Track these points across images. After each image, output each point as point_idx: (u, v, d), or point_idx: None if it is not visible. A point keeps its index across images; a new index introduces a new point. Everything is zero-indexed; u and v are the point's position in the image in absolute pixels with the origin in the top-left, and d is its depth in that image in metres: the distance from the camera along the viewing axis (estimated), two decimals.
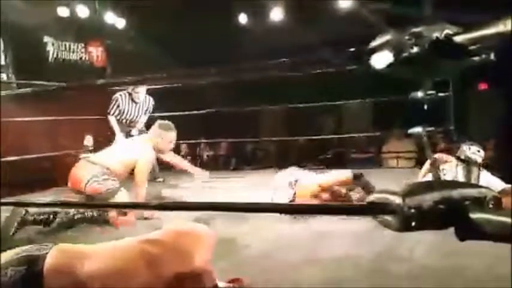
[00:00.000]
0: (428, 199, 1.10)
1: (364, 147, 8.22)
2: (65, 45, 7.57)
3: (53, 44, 7.39)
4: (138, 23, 7.62)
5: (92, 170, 3.79)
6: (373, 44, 1.17)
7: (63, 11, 6.96)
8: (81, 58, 7.82)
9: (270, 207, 1.23)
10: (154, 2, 6.93)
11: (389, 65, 1.12)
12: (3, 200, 1.68)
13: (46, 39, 7.28)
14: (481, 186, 1.33)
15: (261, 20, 7.33)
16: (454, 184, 1.28)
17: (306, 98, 6.54)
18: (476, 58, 1.13)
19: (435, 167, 3.77)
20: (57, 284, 1.23)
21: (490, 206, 1.22)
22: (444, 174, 3.81)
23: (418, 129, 5.09)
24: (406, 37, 1.10)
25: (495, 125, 6.84)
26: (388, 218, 1.14)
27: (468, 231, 1.08)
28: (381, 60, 1.13)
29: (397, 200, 1.12)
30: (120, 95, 5.62)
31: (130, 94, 5.61)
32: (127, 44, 7.84)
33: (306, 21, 6.82)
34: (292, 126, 7.75)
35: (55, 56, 7.42)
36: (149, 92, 5.74)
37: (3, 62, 6.84)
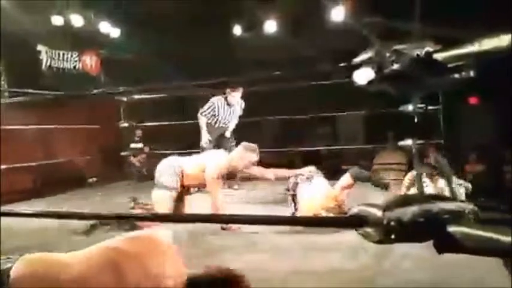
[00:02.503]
0: (408, 212, 1.12)
1: (356, 159, 8.24)
2: (59, 54, 7.56)
3: (46, 53, 7.39)
4: (132, 32, 7.64)
5: (169, 169, 4.09)
6: (356, 60, 1.20)
7: (57, 20, 6.97)
8: (74, 67, 7.82)
9: (252, 220, 1.25)
10: (148, 12, 6.97)
11: (371, 81, 1.15)
12: (3, 211, 1.66)
13: (39, 47, 7.28)
14: (461, 200, 1.36)
15: (255, 31, 7.38)
16: (434, 198, 1.31)
17: (297, 110, 6.60)
18: (456, 75, 1.16)
19: (418, 180, 3.81)
20: None
21: (470, 219, 1.25)
22: (426, 186, 3.86)
23: (408, 142, 5.16)
24: (388, 54, 1.13)
25: (485, 139, 6.92)
26: (369, 230, 1.17)
27: (446, 244, 1.11)
28: (362, 76, 1.16)
29: (378, 213, 1.14)
30: (216, 100, 5.80)
31: (226, 98, 5.76)
32: (121, 54, 7.86)
33: (300, 34, 6.89)
34: (283, 137, 7.79)
35: (48, 64, 7.41)
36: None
37: None
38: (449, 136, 5.71)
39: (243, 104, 5.95)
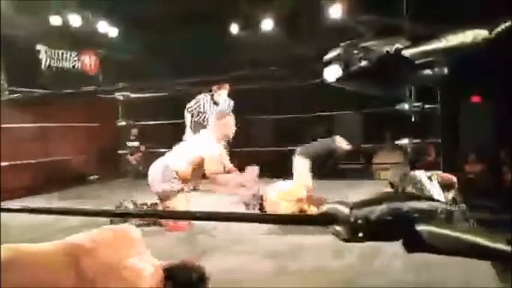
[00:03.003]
0: (375, 211, 1.11)
1: (353, 158, 8.23)
2: (58, 53, 7.58)
3: (45, 52, 7.40)
4: (131, 32, 7.65)
5: (165, 172, 4.03)
6: (326, 57, 1.19)
7: (56, 20, 6.98)
8: (74, 66, 7.83)
9: (221, 217, 1.24)
10: (146, 11, 6.98)
11: (339, 79, 1.14)
12: (3, 206, 1.67)
13: (39, 47, 7.30)
14: (433, 200, 1.35)
15: (251, 30, 7.39)
16: (406, 197, 1.30)
17: (296, 108, 6.59)
18: (427, 72, 1.15)
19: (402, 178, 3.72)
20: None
21: (441, 219, 1.23)
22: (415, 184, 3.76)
23: (404, 141, 5.14)
24: (355, 51, 1.12)
25: (485, 139, 6.87)
26: (338, 228, 1.16)
27: (414, 243, 1.10)
28: (331, 73, 1.14)
29: (345, 210, 1.13)
30: (202, 97, 5.79)
31: (212, 96, 5.76)
32: (119, 53, 7.87)
33: (297, 32, 6.88)
34: (282, 136, 7.78)
35: (48, 64, 7.43)
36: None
37: None
38: (448, 135, 5.67)
39: (232, 103, 5.89)
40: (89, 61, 7.99)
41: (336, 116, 7.74)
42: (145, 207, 4.20)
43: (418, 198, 1.26)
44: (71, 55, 7.81)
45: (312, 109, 6.47)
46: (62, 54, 7.66)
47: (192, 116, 5.79)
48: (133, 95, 6.82)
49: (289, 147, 6.59)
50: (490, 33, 0.99)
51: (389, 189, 3.73)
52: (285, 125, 7.63)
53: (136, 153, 7.24)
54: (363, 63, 1.13)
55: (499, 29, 0.96)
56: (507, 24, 0.94)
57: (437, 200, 1.26)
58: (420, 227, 1.07)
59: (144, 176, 4.39)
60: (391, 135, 6.71)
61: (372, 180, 6.93)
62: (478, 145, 6.66)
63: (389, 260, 2.73)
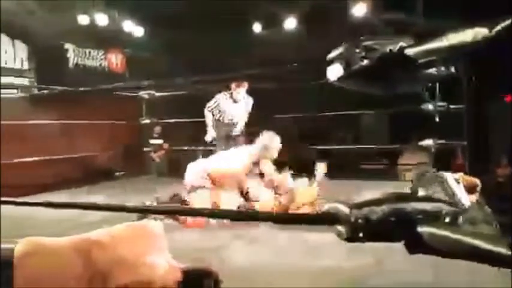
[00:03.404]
0: (377, 211, 1.10)
1: (377, 159, 8.15)
2: (85, 51, 7.75)
3: (73, 51, 7.58)
4: (156, 31, 7.75)
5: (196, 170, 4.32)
6: (329, 56, 1.18)
7: (83, 19, 7.13)
8: (100, 65, 7.99)
9: (223, 215, 1.25)
10: (171, 10, 7.05)
11: (341, 78, 1.13)
12: (3, 199, 1.73)
13: (67, 45, 7.47)
14: (439, 201, 1.33)
15: (273, 29, 7.37)
16: (409, 197, 1.28)
17: (319, 107, 6.54)
18: (434, 72, 1.13)
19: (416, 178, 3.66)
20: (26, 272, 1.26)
21: (446, 221, 1.21)
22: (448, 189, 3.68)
23: (428, 142, 5.04)
24: (357, 50, 1.11)
25: None
26: (339, 228, 1.15)
27: (416, 245, 1.08)
28: (333, 72, 1.14)
29: (346, 210, 1.12)
30: (222, 96, 5.83)
31: (231, 94, 5.79)
32: (145, 52, 7.98)
33: (318, 30, 6.82)
34: (304, 135, 7.73)
35: (75, 62, 7.59)
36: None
37: (26, 67, 7.04)
38: (474, 137, 5.51)
39: (251, 101, 5.89)
40: (115, 60, 8.14)
41: (360, 116, 7.68)
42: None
43: (421, 199, 1.25)
44: (97, 53, 7.97)
45: (333, 108, 6.41)
46: (89, 52, 7.82)
47: (213, 115, 5.82)
48: (158, 94, 6.90)
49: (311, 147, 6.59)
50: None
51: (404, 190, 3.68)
52: (306, 125, 7.60)
53: (160, 151, 7.33)
54: (365, 62, 1.11)
55: None
56: None
57: (451, 203, 1.24)
58: (421, 229, 1.06)
59: (167, 173, 4.47)
60: (415, 136, 6.60)
61: (397, 181, 6.84)
62: (509, 147, 6.42)
63: (398, 259, 2.66)
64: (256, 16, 7.50)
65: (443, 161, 5.46)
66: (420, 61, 1.08)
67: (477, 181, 3.66)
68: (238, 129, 5.90)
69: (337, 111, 6.42)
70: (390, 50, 1.09)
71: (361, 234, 1.08)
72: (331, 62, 1.17)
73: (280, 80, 5.97)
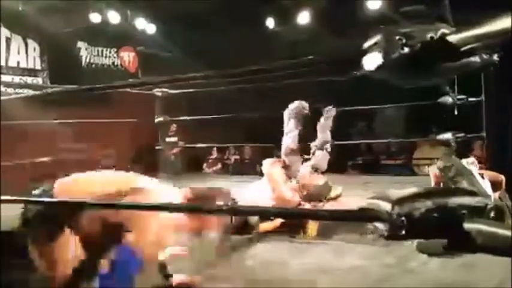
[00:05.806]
0: (420, 207, 1.04)
1: (396, 153, 8.05)
2: (98, 50, 7.75)
3: (86, 49, 7.58)
4: (169, 29, 7.71)
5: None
6: (365, 45, 1.12)
7: (95, 17, 7.11)
8: (113, 63, 7.99)
9: (253, 211, 1.20)
10: (184, 8, 7.00)
11: (380, 67, 1.07)
12: (3, 198, 1.71)
13: (79, 44, 7.48)
14: (481, 195, 1.26)
15: (290, 26, 7.28)
16: (451, 192, 1.22)
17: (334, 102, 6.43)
18: (476, 59, 1.07)
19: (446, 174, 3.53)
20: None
21: (491, 216, 1.16)
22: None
23: (447, 136, 4.93)
24: (397, 37, 1.05)
25: None
26: (379, 225, 1.10)
27: (462, 242, 1.02)
28: (370, 61, 1.08)
29: (387, 207, 1.07)
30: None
31: None
32: (158, 50, 7.96)
33: (336, 25, 6.74)
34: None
35: (88, 61, 7.60)
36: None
37: (38, 67, 7.06)
38: (494, 130, 5.39)
39: None
40: (128, 58, 8.13)
41: (377, 110, 7.58)
42: None
43: (463, 193, 1.19)
44: (110, 52, 7.96)
45: (351, 102, 6.31)
46: (102, 51, 7.82)
47: None
48: (171, 91, 6.85)
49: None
50: None
51: (432, 184, 3.58)
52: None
53: (175, 149, 7.29)
54: (405, 50, 1.05)
55: None
56: None
57: (486, 196, 1.18)
58: (468, 225, 1.00)
59: (183, 171, 4.40)
60: (433, 130, 6.49)
61: (414, 176, 6.76)
62: None
63: (426, 258, 2.58)
64: (271, 12, 7.39)
65: (461, 154, 5.34)
66: (463, 49, 1.02)
67: (502, 177, 3.56)
68: None
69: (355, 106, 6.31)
70: (431, 37, 1.03)
71: (403, 232, 1.03)
72: (366, 51, 1.11)
73: (302, 74, 5.87)
